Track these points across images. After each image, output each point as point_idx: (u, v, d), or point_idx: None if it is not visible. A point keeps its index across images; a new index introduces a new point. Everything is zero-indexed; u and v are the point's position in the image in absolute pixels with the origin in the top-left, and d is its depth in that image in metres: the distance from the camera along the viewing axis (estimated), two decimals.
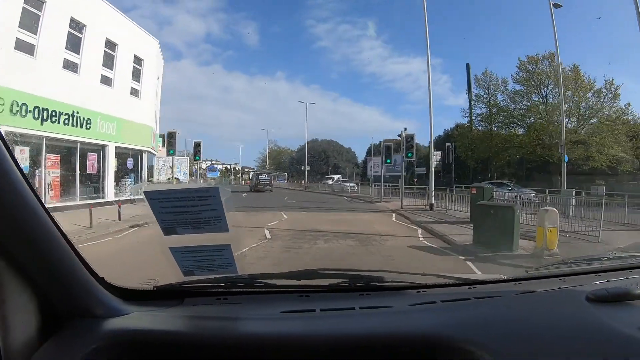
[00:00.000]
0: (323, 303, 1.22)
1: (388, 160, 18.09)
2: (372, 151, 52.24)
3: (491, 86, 36.22)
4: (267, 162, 63.80)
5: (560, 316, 1.06)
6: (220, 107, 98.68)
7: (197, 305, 1.21)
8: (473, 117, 37.33)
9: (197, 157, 17.71)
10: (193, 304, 1.21)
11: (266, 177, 32.47)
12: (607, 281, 1.38)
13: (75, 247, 0.99)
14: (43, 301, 0.94)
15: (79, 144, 13.97)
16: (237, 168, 67.33)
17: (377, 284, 1.37)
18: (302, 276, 1.37)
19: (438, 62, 75.23)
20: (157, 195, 1.04)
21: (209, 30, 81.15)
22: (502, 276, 1.52)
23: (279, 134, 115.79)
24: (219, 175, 58.82)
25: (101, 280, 1.07)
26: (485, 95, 36.59)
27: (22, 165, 0.86)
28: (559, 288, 1.34)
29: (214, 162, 77.71)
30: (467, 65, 39.07)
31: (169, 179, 29.95)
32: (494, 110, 35.85)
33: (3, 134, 0.82)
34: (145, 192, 1.04)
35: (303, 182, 43.88)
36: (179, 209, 1.05)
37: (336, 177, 53.13)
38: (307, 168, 44.98)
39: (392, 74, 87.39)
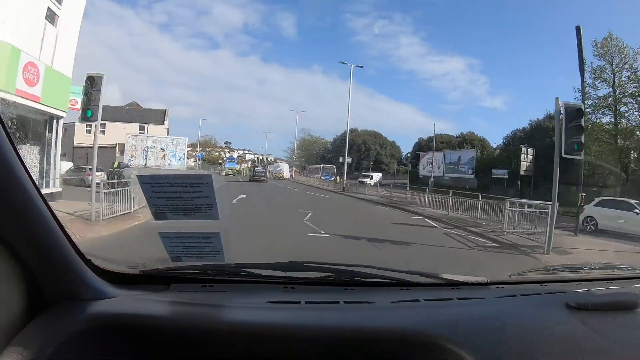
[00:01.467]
0: (308, 295, 1.24)
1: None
2: (434, 145, 40.98)
3: (616, 59, 25.02)
4: (295, 152, 54.54)
5: (539, 321, 1.11)
6: (255, 98, 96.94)
7: (183, 292, 1.22)
8: (590, 102, 25.51)
9: (88, 113, 7.69)
10: (179, 290, 1.22)
11: (262, 169, 35.65)
12: (588, 290, 1.40)
13: (65, 228, 0.97)
14: (29, 281, 0.94)
15: None
16: (269, 159, 59.44)
17: (362, 279, 1.40)
18: (288, 268, 1.41)
19: (477, 62, 77.16)
20: (149, 179, 1.05)
21: (247, 21, 75.60)
22: (485, 279, 1.53)
23: (313, 127, 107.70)
24: (237, 165, 51.64)
25: (89, 263, 1.07)
26: (608, 71, 25.33)
27: None
28: (540, 294, 1.38)
29: (246, 152, 69.96)
30: (578, 28, 25.19)
31: (114, 163, 21.32)
32: (622, 91, 24.65)
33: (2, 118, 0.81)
34: (138, 176, 1.03)
35: (339, 179, 32.18)
36: (171, 194, 1.06)
37: (375, 175, 42.33)
38: (348, 160, 31.30)
39: (429, 72, 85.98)
